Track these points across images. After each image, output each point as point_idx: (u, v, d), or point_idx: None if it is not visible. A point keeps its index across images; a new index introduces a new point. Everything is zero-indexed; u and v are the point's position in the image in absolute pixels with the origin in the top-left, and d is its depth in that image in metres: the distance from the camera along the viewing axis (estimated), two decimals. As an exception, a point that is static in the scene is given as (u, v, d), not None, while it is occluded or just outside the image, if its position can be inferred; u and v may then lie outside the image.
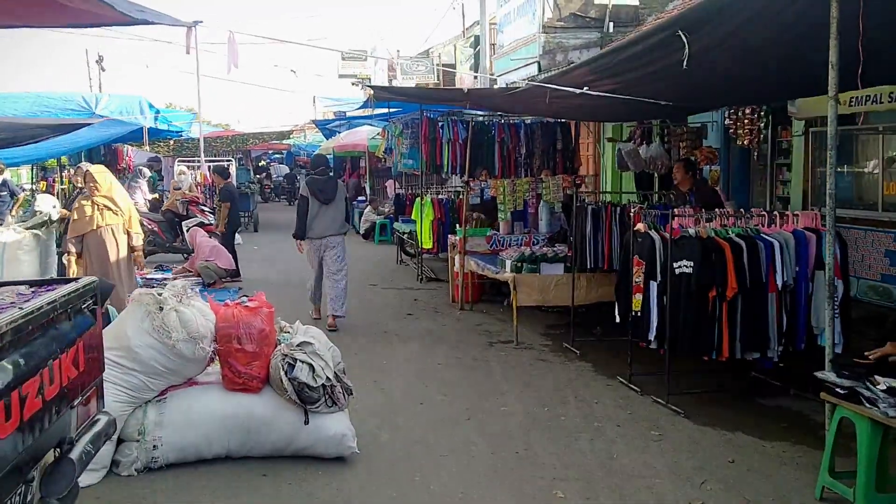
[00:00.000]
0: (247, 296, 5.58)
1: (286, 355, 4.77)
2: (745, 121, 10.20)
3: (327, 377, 4.78)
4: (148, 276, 11.40)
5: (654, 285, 6.29)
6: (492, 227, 10.88)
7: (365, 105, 12.56)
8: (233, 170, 18.61)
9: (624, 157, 12.47)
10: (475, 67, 19.60)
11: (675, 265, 6.00)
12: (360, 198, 21.97)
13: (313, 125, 28.65)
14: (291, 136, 25.90)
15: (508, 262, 8.47)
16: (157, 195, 17.35)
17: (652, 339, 6.32)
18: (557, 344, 8.18)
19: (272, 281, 12.35)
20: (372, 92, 10.19)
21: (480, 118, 12.43)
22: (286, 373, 4.69)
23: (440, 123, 12.27)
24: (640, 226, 6.56)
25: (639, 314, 6.45)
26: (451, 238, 10.89)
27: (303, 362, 4.73)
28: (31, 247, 8.45)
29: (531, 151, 12.59)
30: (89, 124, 13.55)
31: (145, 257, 14.28)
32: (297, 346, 4.84)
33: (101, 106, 16.57)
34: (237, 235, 17.25)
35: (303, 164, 36.91)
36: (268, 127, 26.06)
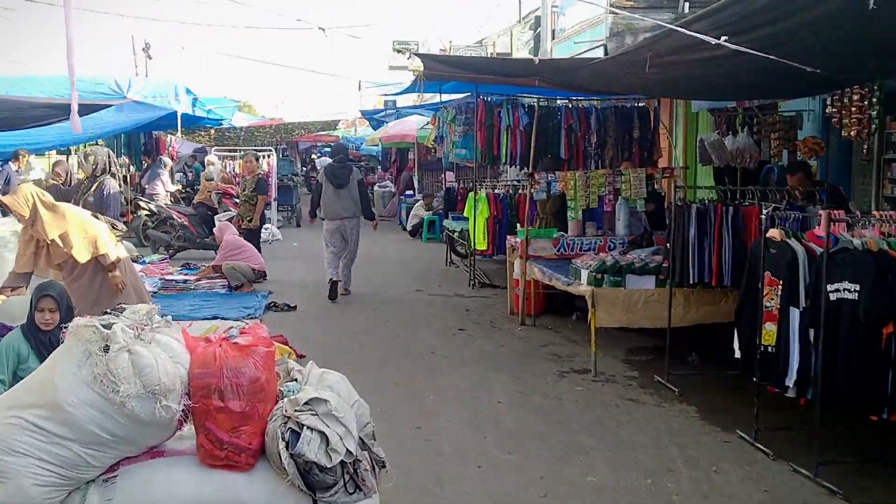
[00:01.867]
0: (242, 322, 4.12)
1: (289, 418, 3.28)
2: (853, 108, 8.54)
3: (347, 450, 3.28)
4: (169, 278, 10.09)
5: (795, 313, 4.68)
6: (558, 228, 9.29)
7: (412, 89, 11.05)
8: (273, 161, 17.34)
9: (707, 148, 10.83)
10: (534, 53, 18.01)
11: (830, 288, 4.37)
12: (408, 192, 20.52)
13: (363, 118, 27.35)
14: (338, 126, 24.53)
15: (585, 272, 6.89)
16: (179, 186, 16.14)
17: (791, 384, 4.71)
18: (647, 376, 6.57)
19: (306, 283, 10.95)
20: (421, 68, 8.67)
21: (544, 102, 10.86)
22: (288, 445, 3.20)
23: (498, 108, 10.77)
24: (774, 232, 4.92)
25: (771, 350, 4.83)
26: (510, 239, 9.34)
27: (312, 430, 3.23)
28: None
29: (603, 140, 10.97)
30: (107, 106, 12.29)
31: (176, 253, 13.16)
32: (306, 403, 3.34)
33: (133, 90, 15.45)
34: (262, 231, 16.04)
35: (354, 158, 35.72)
36: (308, 116, 24.74)
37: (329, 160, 13.90)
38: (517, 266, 8.94)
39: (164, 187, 15.29)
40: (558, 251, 8.63)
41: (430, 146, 13.32)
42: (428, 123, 14.68)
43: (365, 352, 7.28)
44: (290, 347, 6.80)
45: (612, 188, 8.69)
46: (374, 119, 23.74)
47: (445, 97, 12.85)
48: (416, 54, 7.34)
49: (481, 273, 11.72)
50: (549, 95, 10.92)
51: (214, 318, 8.40)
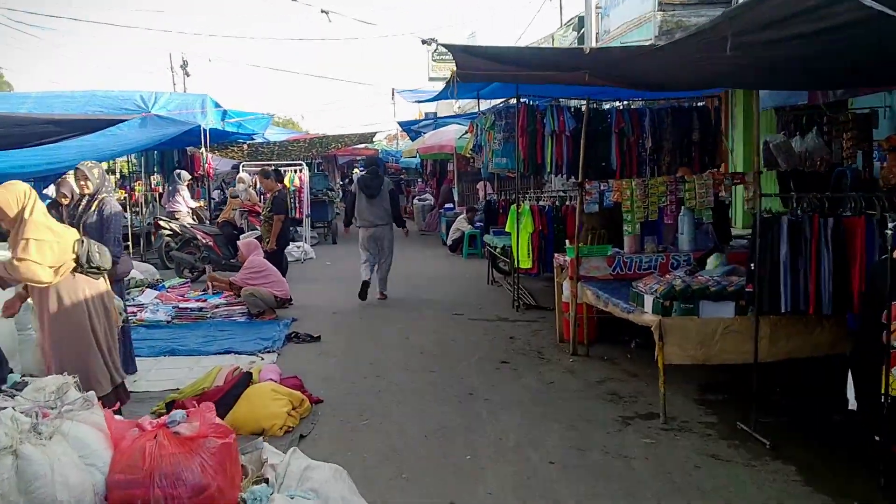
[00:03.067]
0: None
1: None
2: None
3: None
4: (184, 305, 9.27)
5: (939, 359, 3.57)
6: (612, 244, 8.23)
7: (444, 94, 10.07)
8: (304, 176, 16.55)
9: (772, 151, 9.75)
10: (578, 54, 16.95)
11: None
12: (447, 205, 19.57)
13: (403, 131, 26.54)
14: (375, 139, 23.74)
15: (649, 298, 5.83)
16: (201, 203, 15.41)
17: (934, 451, 3.61)
18: (727, 422, 5.47)
19: (335, 307, 10.08)
20: (454, 68, 7.71)
21: (593, 105, 9.81)
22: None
23: (542, 112, 9.78)
24: (903, 252, 3.84)
25: (904, 405, 3.74)
26: (557, 258, 8.31)
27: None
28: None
29: (659, 145, 9.89)
30: (122, 120, 11.58)
31: (200, 275, 12.39)
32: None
33: (158, 104, 14.84)
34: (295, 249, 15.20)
35: (394, 172, 34.98)
36: (345, 128, 23.95)
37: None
38: (566, 288, 7.91)
39: (186, 204, 14.57)
40: (613, 271, 7.58)
41: (469, 156, 12.34)
42: (466, 132, 13.72)
43: (392, 393, 6.31)
44: (305, 392, 5.87)
45: (673, 197, 7.62)
46: (412, 130, 22.90)
47: (485, 104, 11.94)
48: (443, 45, 6.41)
49: (526, 293, 10.71)
50: (598, 97, 9.90)
51: (228, 352, 7.54)
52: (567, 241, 8.11)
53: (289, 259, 15.01)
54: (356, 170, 36.61)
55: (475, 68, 7.49)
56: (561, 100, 9.77)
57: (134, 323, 8.84)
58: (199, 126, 13.69)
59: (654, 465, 4.71)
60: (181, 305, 9.23)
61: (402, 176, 32.60)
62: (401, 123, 23.12)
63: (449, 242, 16.76)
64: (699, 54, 4.83)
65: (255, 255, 9.41)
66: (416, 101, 11.80)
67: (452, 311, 9.89)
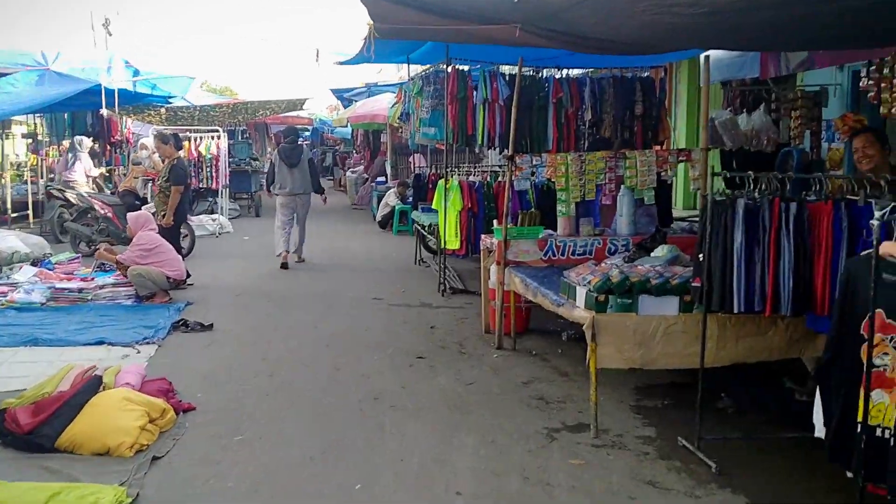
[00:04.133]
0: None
1: None
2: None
3: None
4: (61, 286, 8.15)
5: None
6: (546, 225, 7.44)
7: (361, 57, 9.04)
8: (222, 144, 15.35)
9: (718, 128, 9.10)
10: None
11: None
12: (379, 178, 18.58)
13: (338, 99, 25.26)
14: (306, 106, 22.41)
15: (581, 290, 5.03)
16: (104, 169, 14.16)
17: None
18: (668, 437, 4.72)
19: (242, 288, 9.08)
20: (370, 23, 6.74)
21: (529, 71, 8.98)
22: None
23: (474, 77, 8.90)
24: (889, 248, 3.08)
25: (884, 435, 3.01)
26: (484, 239, 7.48)
27: None
28: None
29: (599, 118, 9.11)
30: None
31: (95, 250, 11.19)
32: None
33: (60, 61, 13.49)
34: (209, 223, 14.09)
35: (332, 144, 33.68)
36: (264, 93, 22.55)
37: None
38: (493, 273, 7.10)
39: (86, 172, 13.27)
40: (545, 256, 6.79)
41: (396, 125, 11.41)
42: (396, 100, 12.74)
43: (283, 397, 5.39)
44: (172, 399, 4.92)
45: (613, 175, 6.85)
46: (345, 98, 21.81)
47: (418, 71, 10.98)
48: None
49: (454, 276, 9.89)
50: (538, 64, 9.06)
51: (100, 342, 6.51)
52: (496, 222, 7.28)
53: (202, 233, 13.92)
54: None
55: (394, 20, 6.52)
56: (497, 66, 8.90)
57: (2, 305, 7.72)
58: (100, 85, 12.38)
59: (581, 496, 3.92)
60: (59, 285, 8.10)
61: (337, 147, 31.40)
62: (333, 91, 21.97)
63: (378, 218, 15.82)
64: (646, 3, 3.99)
65: (146, 231, 8.31)
66: (338, 63, 10.70)
67: (372, 295, 9.00)
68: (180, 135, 10.75)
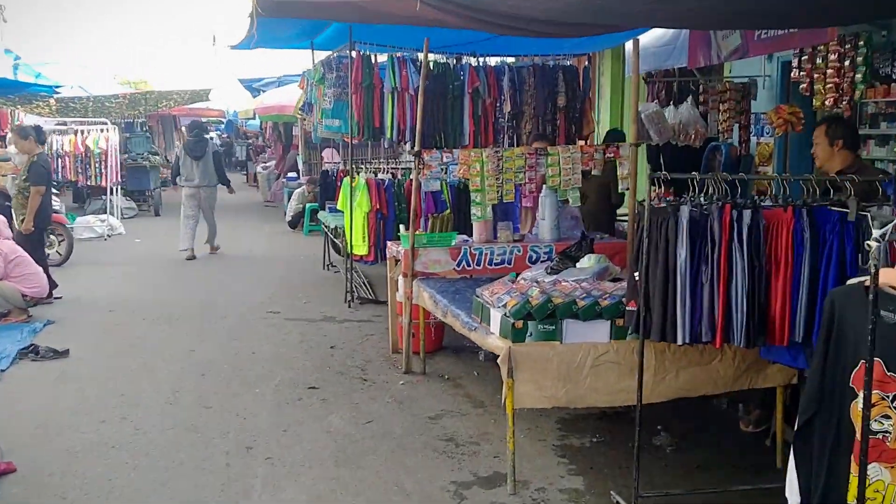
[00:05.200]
0: None
1: None
2: (829, 70, 6.39)
3: None
4: None
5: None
6: (461, 230, 6.61)
7: (247, 42, 7.97)
8: (112, 137, 13.99)
9: (644, 122, 8.48)
10: None
11: None
12: (290, 174, 17.45)
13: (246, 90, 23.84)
14: (211, 96, 20.96)
15: (496, 314, 4.20)
16: None
17: None
18: (598, 492, 3.93)
19: (117, 302, 7.94)
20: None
21: (441, 60, 8.13)
22: None
23: (382, 64, 8.00)
24: (890, 276, 2.32)
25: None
26: (390, 247, 6.59)
27: None
28: None
29: (519, 111, 8.33)
30: None
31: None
32: None
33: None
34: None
35: (248, 137, 32.11)
36: (165, 83, 21.04)
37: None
38: (401, 285, 6.22)
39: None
40: (458, 265, 5.95)
41: (298, 116, 10.41)
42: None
43: (133, 449, 4.37)
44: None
45: (534, 173, 6.05)
46: (255, 88, 20.56)
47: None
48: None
49: (364, 284, 8.98)
50: (452, 51, 8.22)
51: (-81, 378, 5.35)
52: (402, 227, 6.39)
53: (89, 235, 12.62)
54: (213, 134, 33.30)
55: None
56: (408, 51, 8.01)
57: None
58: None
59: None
60: None
61: (250, 141, 29.95)
62: (242, 81, 20.67)
63: (288, 217, 14.72)
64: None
65: (0, 239, 7.10)
66: (230, 48, 9.57)
67: (269, 308, 8.01)
68: (46, 127, 9.45)
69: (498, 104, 8.31)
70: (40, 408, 4.93)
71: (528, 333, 4.00)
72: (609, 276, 4.87)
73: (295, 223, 14.45)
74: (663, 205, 3.57)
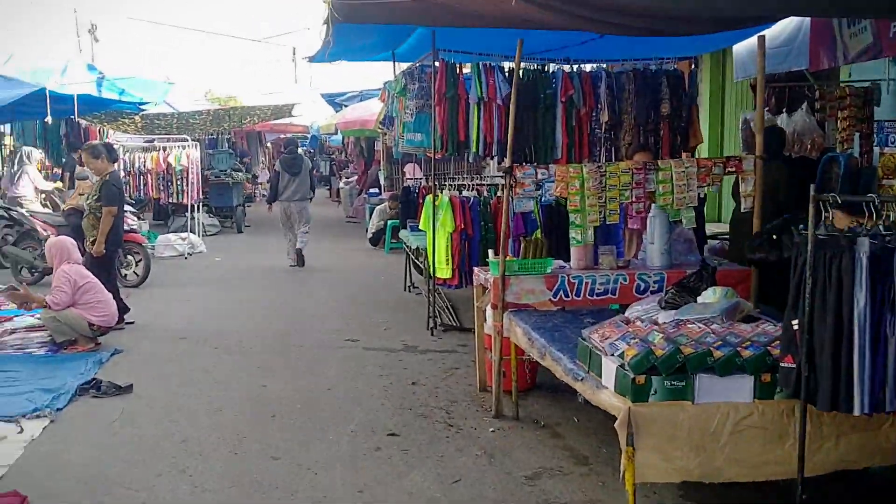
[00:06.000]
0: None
1: None
2: None
3: None
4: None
5: None
6: (558, 255, 5.89)
7: (321, 54, 7.41)
8: (194, 153, 13.87)
9: (753, 131, 7.66)
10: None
11: None
12: (372, 190, 17.06)
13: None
14: (294, 111, 20.84)
15: (610, 364, 3.49)
16: (59, 184, 12.72)
17: None
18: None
19: (192, 328, 7.55)
20: (328, 1, 5.24)
21: (531, 67, 7.48)
22: None
23: (466, 72, 7.41)
24: None
25: None
26: (478, 273, 5.92)
27: None
28: None
29: (617, 121, 7.60)
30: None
31: (43, 277, 9.72)
32: None
33: (8, 66, 12.04)
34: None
35: (330, 152, 32.17)
36: (252, 99, 21.03)
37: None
38: (489, 317, 5.58)
39: (35, 186, 11.78)
40: (555, 296, 5.26)
41: (379, 130, 9.91)
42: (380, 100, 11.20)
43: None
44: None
45: (642, 191, 5.31)
46: (337, 103, 20.33)
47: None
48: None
49: (447, 309, 8.38)
50: (545, 57, 7.57)
51: (-28, 416, 4.98)
52: (491, 252, 5.74)
53: (170, 254, 12.46)
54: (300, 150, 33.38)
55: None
56: (494, 56, 7.39)
57: None
58: (44, 89, 10.90)
59: None
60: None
61: (332, 156, 29.92)
62: (324, 96, 20.48)
63: (369, 235, 14.29)
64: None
65: (70, 264, 6.78)
66: (305, 59, 9.15)
67: (347, 335, 7.48)
68: (116, 145, 9.16)
69: (594, 114, 7.61)
70: (92, 457, 4.47)
71: (652, 391, 3.29)
72: (740, 313, 4.11)
73: (376, 240, 14.01)
74: (834, 234, 2.81)
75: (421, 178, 12.90)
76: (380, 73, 20.74)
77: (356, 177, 21.52)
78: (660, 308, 4.54)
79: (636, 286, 5.30)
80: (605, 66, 8.14)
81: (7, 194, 11.75)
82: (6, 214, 10.40)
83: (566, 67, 7.59)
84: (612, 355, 3.52)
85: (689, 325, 3.72)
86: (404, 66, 8.74)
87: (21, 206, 11.02)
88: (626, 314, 4.63)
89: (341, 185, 21.82)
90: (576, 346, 4.11)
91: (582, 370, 3.82)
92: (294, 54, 10.63)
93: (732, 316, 4.06)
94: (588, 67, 7.99)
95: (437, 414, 5.28)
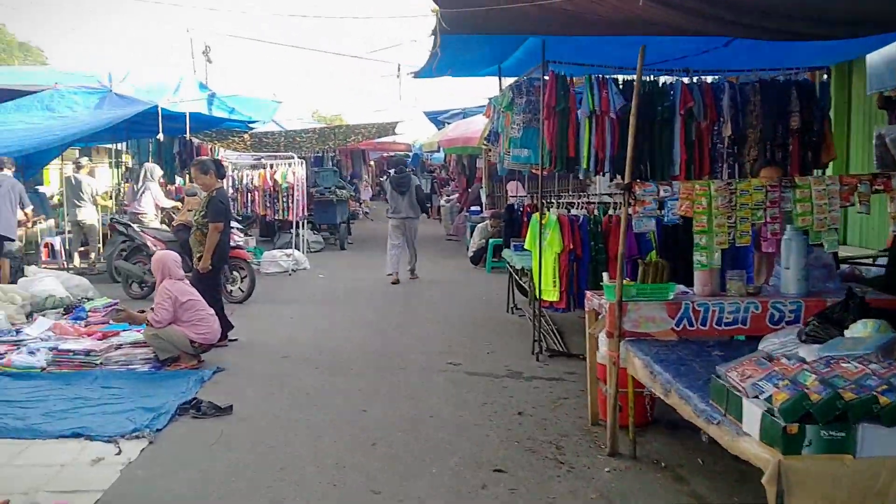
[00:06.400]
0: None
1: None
2: None
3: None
4: (64, 347, 6.69)
5: None
6: (677, 279, 5.43)
7: (427, 69, 7.20)
8: (299, 171, 14.00)
9: (889, 146, 7.02)
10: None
11: None
12: (473, 208, 16.84)
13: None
14: (398, 129, 20.92)
15: (754, 409, 3.06)
16: (178, 203, 12.99)
17: None
18: None
19: (294, 347, 7.44)
20: (436, 9, 5.01)
21: (648, 76, 7.06)
22: None
23: (577, 88, 7.07)
24: None
25: None
26: (591, 297, 5.51)
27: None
28: None
29: (742, 134, 7.08)
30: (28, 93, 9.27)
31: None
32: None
33: (127, 82, 12.43)
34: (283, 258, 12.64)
35: (432, 170, 32.30)
36: (357, 117, 21.23)
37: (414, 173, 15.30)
38: (603, 345, 5.19)
39: (157, 203, 12.09)
40: (678, 325, 4.81)
41: (483, 146, 9.64)
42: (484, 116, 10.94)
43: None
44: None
45: (777, 211, 4.81)
46: (440, 121, 20.28)
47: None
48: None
49: (552, 333, 7.99)
50: (662, 68, 7.14)
51: (77, 434, 4.94)
52: (606, 275, 5.33)
53: (275, 270, 12.55)
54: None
55: (469, 2, 4.78)
56: (606, 68, 7.01)
57: (-2, 369, 6.36)
58: (156, 107, 11.19)
59: None
60: (63, 346, 6.65)
61: (433, 173, 29.94)
62: (427, 113, 20.47)
63: (470, 253, 14.04)
64: None
65: (172, 281, 6.78)
66: (410, 74, 9.00)
67: (449, 358, 7.21)
68: (225, 162, 9.20)
69: (715, 128, 7.11)
70: (188, 483, 4.32)
71: (807, 442, 2.84)
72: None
73: (477, 259, 13.75)
74: None
75: (524, 196, 12.58)
76: (483, 90, 20.64)
77: (457, 194, 21.39)
78: (799, 341, 4.06)
79: (769, 316, 4.80)
80: (730, 78, 7.62)
81: (129, 210, 12.12)
82: (124, 231, 10.68)
83: (685, 79, 7.13)
84: (756, 398, 3.08)
85: (844, 365, 3.24)
86: (510, 80, 8.47)
87: (141, 222, 11.33)
88: (761, 347, 4.16)
89: (442, 202, 21.71)
90: (706, 383, 3.69)
91: (717, 412, 3.40)
92: (399, 71, 10.46)
93: (890, 353, 3.54)
94: (708, 79, 7.49)
95: (547, 449, 4.91)
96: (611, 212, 7.33)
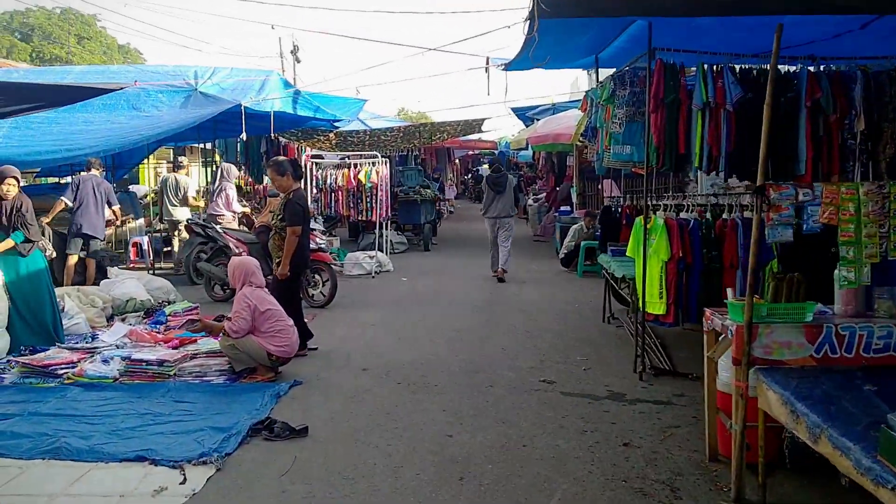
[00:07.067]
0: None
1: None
2: None
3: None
4: (137, 357, 6.41)
5: None
6: (812, 297, 4.68)
7: (523, 59, 6.64)
8: (383, 170, 13.61)
9: None
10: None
11: None
12: (563, 208, 16.12)
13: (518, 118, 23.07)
14: (484, 127, 20.37)
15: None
16: (247, 209, 12.74)
17: None
18: None
19: (374, 358, 6.98)
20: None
21: (763, 67, 6.29)
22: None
23: (688, 76, 6.37)
24: None
25: None
26: (710, 316, 4.81)
27: None
28: None
29: (878, 129, 6.22)
30: (107, 91, 9.12)
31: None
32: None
33: (211, 80, 12.33)
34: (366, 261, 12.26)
35: (518, 168, 31.69)
36: (443, 114, 20.72)
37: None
38: (724, 371, 4.52)
39: (231, 206, 11.90)
40: (818, 352, 4.09)
41: (580, 143, 8.98)
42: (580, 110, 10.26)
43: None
44: None
45: (941, 218, 4.03)
46: (528, 117, 19.62)
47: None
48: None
49: (657, 349, 7.29)
50: (784, 54, 6.33)
51: (141, 458, 4.57)
52: (729, 292, 4.63)
53: (358, 272, 12.20)
54: (486, 166, 33.35)
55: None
56: (722, 56, 6.27)
57: (68, 379, 6.12)
58: (240, 105, 10.97)
59: None
60: (136, 356, 6.35)
61: (521, 171, 29.28)
62: (514, 110, 19.83)
63: (561, 255, 13.36)
64: None
65: (252, 288, 6.40)
66: (499, 67, 8.43)
67: (542, 375, 6.61)
68: (299, 162, 8.80)
69: (847, 121, 6.27)
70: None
71: None
72: None
73: (568, 262, 13.07)
74: None
75: (619, 196, 11.83)
76: (574, 83, 19.85)
77: (544, 193, 20.70)
78: None
79: (934, 344, 4.02)
80: (862, 66, 6.76)
81: (208, 210, 12.00)
82: (202, 232, 10.50)
83: (810, 67, 6.32)
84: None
85: None
86: (608, 73, 7.80)
87: (218, 223, 11.15)
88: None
89: (529, 201, 21.05)
90: (867, 429, 3.01)
91: (890, 473, 2.71)
92: (487, 63, 9.92)
93: None
94: (839, 69, 6.64)
95: (660, 491, 4.26)
96: (725, 215, 6.57)
